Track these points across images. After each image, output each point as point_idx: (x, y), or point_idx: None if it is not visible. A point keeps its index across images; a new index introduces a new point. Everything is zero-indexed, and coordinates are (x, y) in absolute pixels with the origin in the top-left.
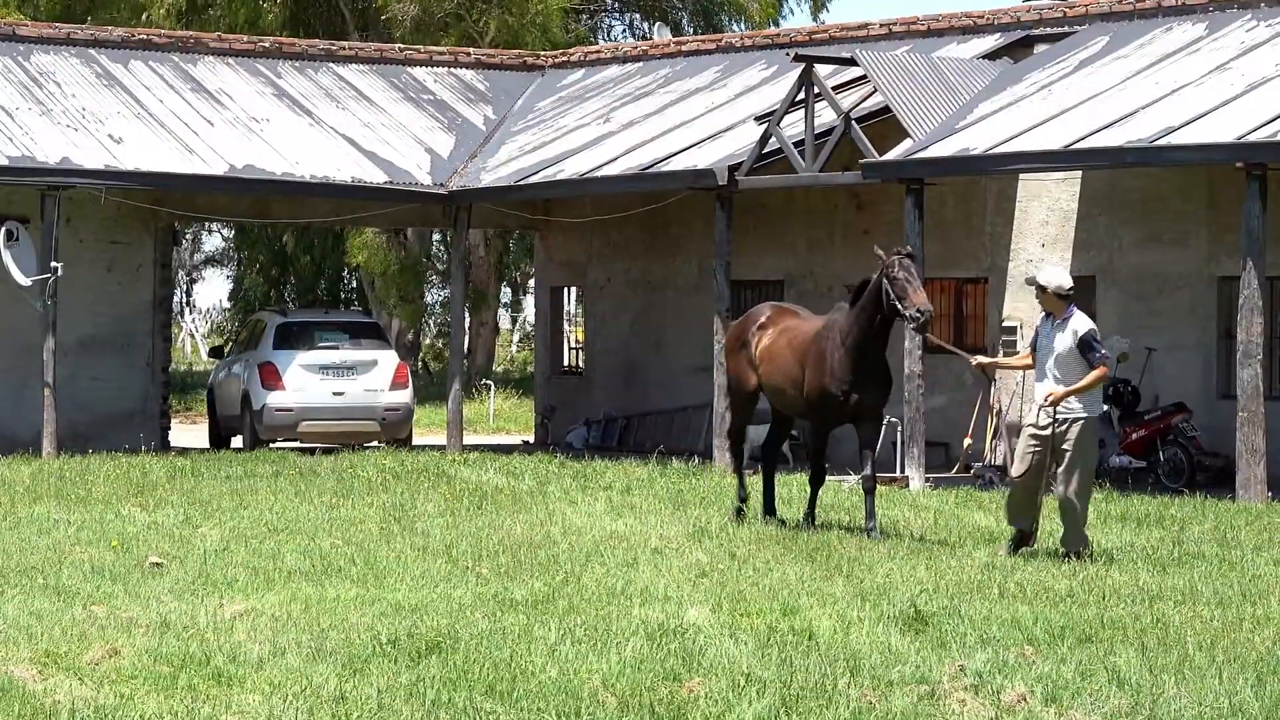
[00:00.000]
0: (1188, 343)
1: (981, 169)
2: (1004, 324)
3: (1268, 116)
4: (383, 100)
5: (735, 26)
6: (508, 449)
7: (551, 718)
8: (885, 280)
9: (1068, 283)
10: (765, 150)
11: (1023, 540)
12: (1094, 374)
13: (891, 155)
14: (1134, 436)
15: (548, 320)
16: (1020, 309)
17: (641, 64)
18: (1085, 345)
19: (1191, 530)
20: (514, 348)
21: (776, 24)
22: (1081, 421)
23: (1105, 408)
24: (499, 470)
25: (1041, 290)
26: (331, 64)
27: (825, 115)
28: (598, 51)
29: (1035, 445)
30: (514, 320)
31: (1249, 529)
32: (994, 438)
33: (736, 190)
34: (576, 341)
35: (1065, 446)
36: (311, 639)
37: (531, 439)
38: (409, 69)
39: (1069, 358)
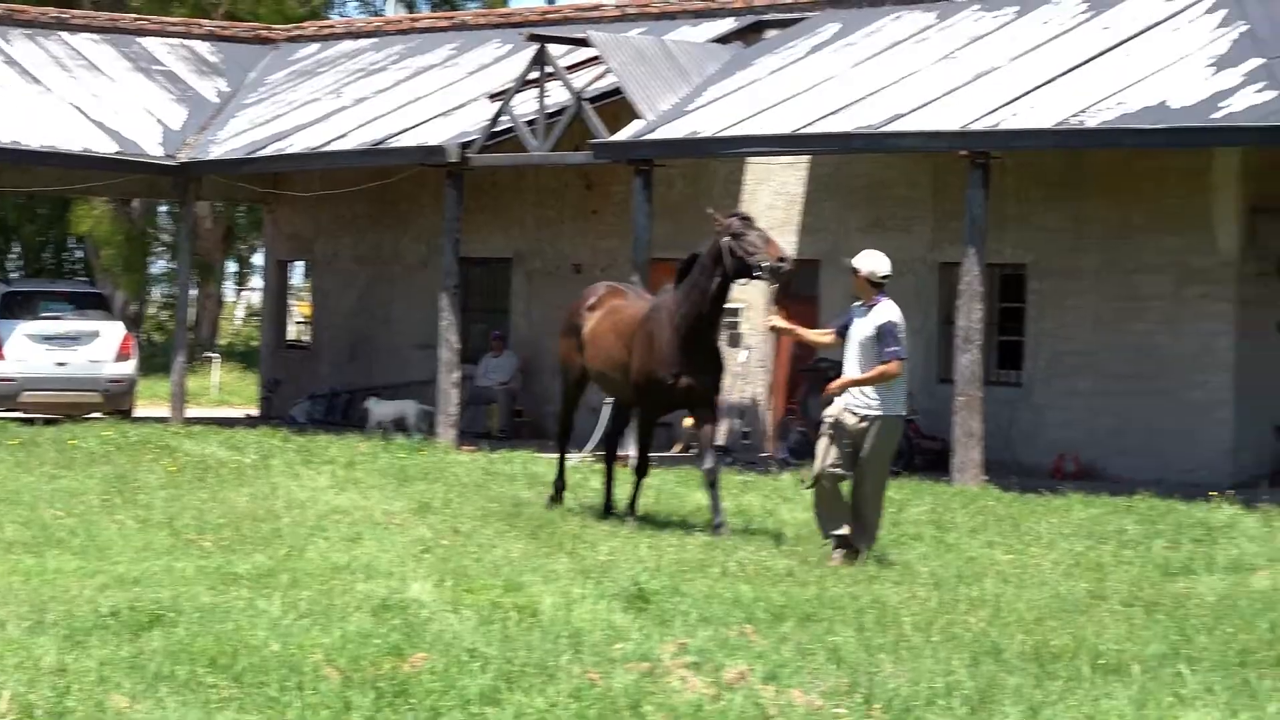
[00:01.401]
0: (911, 328)
1: (710, 151)
2: (728, 306)
3: (993, 105)
4: (114, 70)
5: (471, 4)
6: (231, 422)
7: (274, 691)
8: (730, 240)
9: (882, 269)
10: (497, 128)
11: (844, 543)
12: (878, 368)
13: (622, 136)
14: None
15: (274, 293)
16: (746, 292)
17: (375, 40)
18: (880, 336)
19: (909, 512)
20: (239, 321)
21: (510, 2)
22: (880, 421)
23: (907, 413)
24: (222, 443)
25: (854, 273)
26: (63, 33)
27: (558, 95)
28: (331, 26)
29: (829, 440)
30: (240, 293)
31: (965, 511)
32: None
33: (467, 168)
34: (303, 315)
35: (864, 445)
36: (32, 610)
37: (256, 412)
38: (141, 40)
39: (869, 348)
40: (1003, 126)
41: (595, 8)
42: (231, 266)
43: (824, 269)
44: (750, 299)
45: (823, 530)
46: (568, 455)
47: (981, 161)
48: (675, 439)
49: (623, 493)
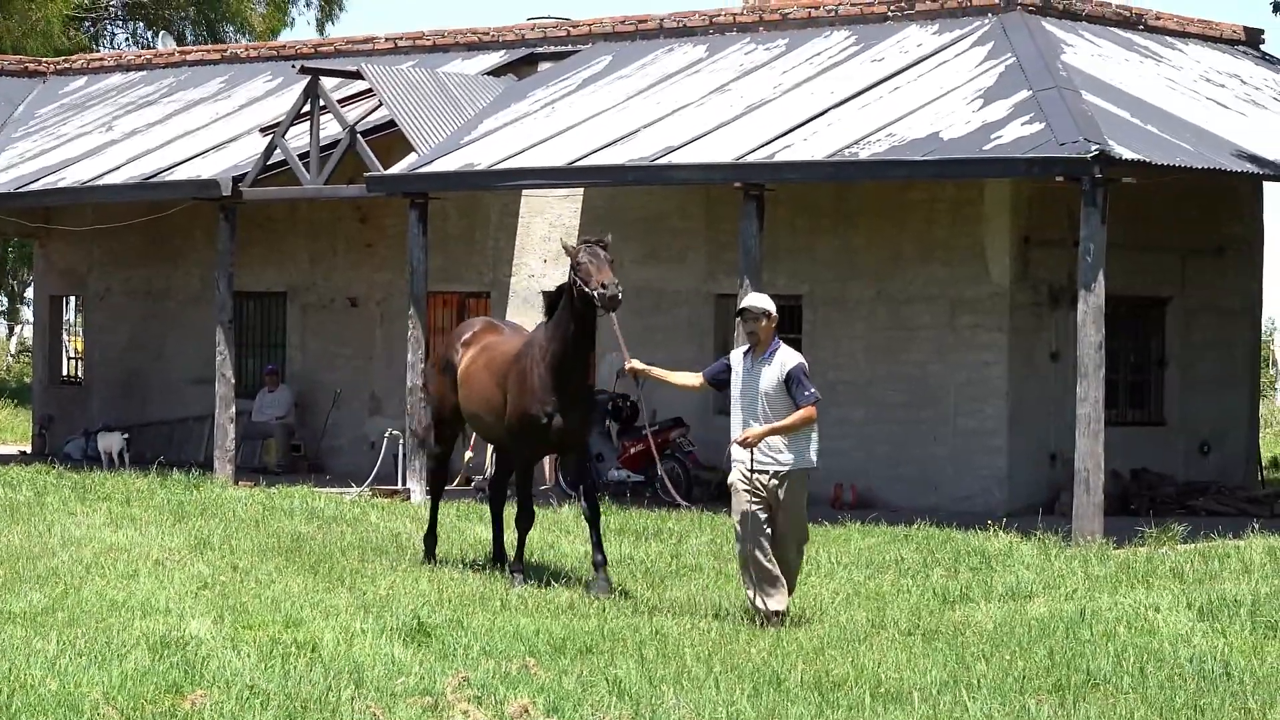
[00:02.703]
0: (685, 358)
1: (485, 184)
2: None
3: (765, 138)
4: None
5: (239, 37)
6: (4, 460)
7: None
8: (572, 271)
9: (774, 309)
10: (271, 162)
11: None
12: (798, 414)
13: (396, 169)
14: (632, 450)
15: (46, 329)
16: (522, 324)
17: (145, 73)
18: (792, 381)
19: (689, 543)
20: (11, 357)
21: (278, 35)
22: (793, 476)
23: (814, 460)
24: None
25: (764, 316)
26: None
27: (332, 128)
28: (101, 59)
29: (751, 502)
30: (11, 329)
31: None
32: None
33: (240, 201)
34: (76, 351)
35: (776, 505)
36: None
37: (29, 449)
38: None
39: (777, 396)
40: (776, 158)
41: (367, 40)
42: (3, 302)
43: None
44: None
45: (750, 593)
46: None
47: (755, 193)
48: (455, 471)
49: (400, 525)
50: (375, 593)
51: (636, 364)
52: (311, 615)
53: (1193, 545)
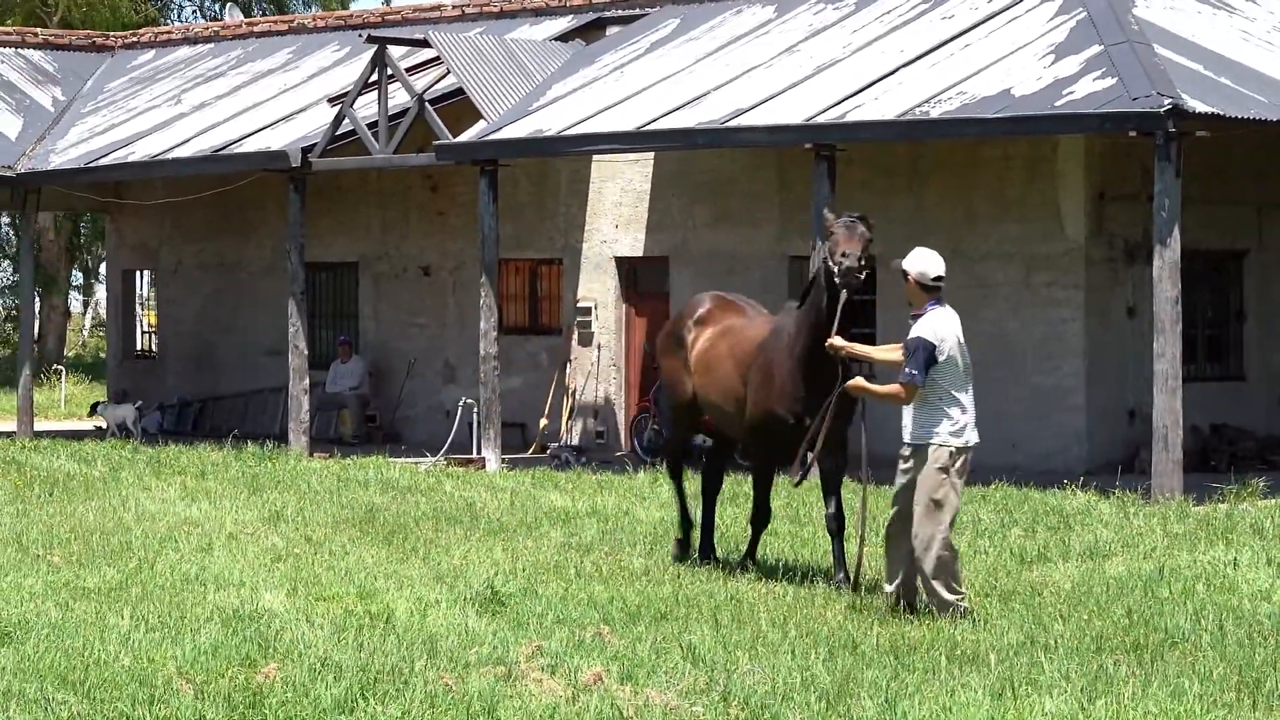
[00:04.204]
0: None
1: (555, 150)
2: (578, 304)
3: (836, 98)
4: None
5: (304, 8)
6: (80, 435)
7: (126, 707)
8: (826, 245)
9: (932, 270)
10: (339, 132)
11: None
12: (888, 387)
13: (465, 137)
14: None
15: (119, 304)
16: (594, 289)
17: (213, 45)
18: (906, 351)
19: None
20: (86, 332)
21: (346, 5)
22: (910, 450)
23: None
24: (71, 456)
25: (904, 277)
26: None
27: (400, 97)
28: (169, 32)
29: (903, 473)
30: (86, 304)
31: (820, 505)
32: (569, 418)
33: (310, 172)
34: (149, 325)
35: (908, 482)
36: None
37: (104, 424)
38: None
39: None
40: (847, 119)
41: (435, 8)
42: (78, 277)
43: (672, 265)
44: (598, 298)
45: (888, 577)
46: (684, 484)
47: (826, 154)
48: (530, 440)
49: (485, 498)
50: (449, 563)
51: (838, 340)
52: (385, 586)
53: (1273, 500)
